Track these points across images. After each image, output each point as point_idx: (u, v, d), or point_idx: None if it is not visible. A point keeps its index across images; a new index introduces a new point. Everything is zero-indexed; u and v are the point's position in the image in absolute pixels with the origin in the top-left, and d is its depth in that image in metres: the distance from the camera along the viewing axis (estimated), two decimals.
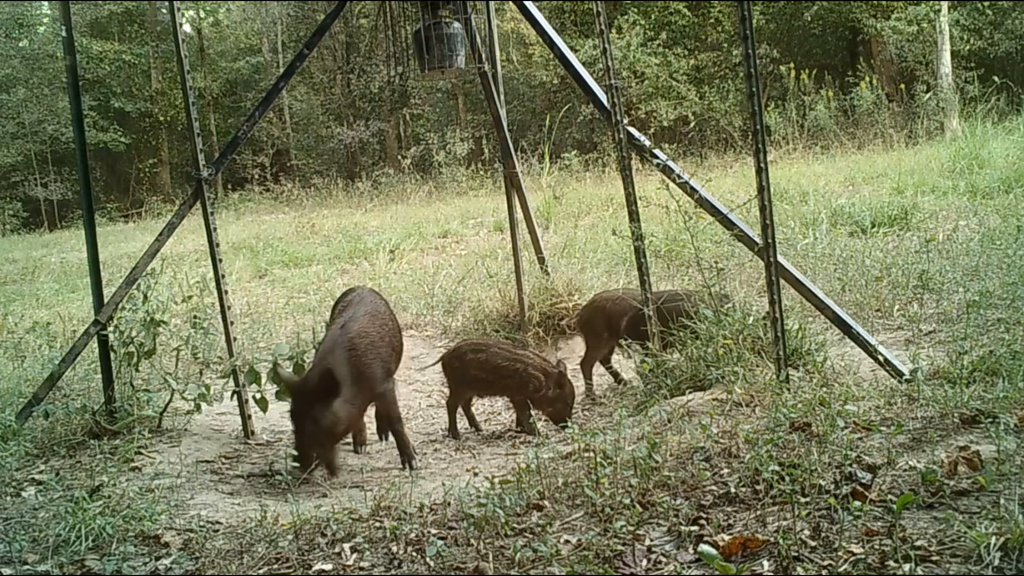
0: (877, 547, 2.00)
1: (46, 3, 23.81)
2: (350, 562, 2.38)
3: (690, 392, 3.71)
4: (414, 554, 2.36)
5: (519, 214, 5.87)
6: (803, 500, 2.27)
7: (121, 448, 3.91)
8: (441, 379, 5.42)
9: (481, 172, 16.32)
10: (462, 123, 20.17)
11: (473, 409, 4.71)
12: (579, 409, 4.74)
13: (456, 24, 4.99)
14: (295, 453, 3.61)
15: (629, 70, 16.69)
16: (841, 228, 7.13)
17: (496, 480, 2.79)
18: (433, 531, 2.48)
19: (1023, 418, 2.60)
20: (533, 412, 4.43)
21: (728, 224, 3.94)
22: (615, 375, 5.08)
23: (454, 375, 4.53)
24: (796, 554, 2.03)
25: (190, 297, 4.96)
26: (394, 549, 2.41)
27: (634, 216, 4.09)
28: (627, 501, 2.44)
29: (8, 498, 3.34)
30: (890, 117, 13.63)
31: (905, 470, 2.39)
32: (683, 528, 2.28)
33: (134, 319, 4.42)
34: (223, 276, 4.61)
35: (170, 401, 4.39)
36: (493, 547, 2.32)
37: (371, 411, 4.31)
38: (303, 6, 22.19)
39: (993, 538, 1.90)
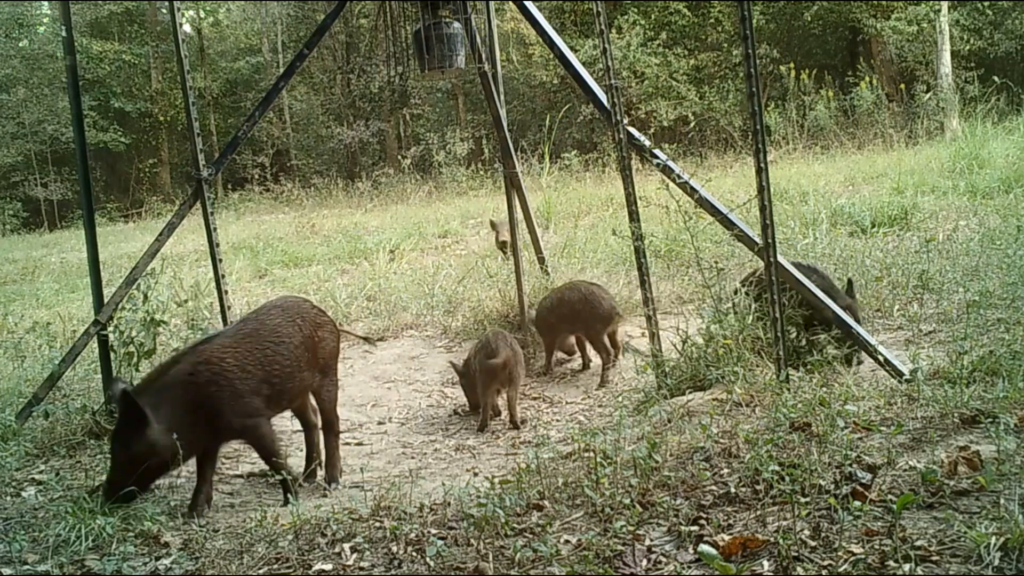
0: (877, 547, 2.00)
1: (46, 3, 23.84)
2: (350, 562, 2.38)
3: (690, 392, 3.71)
4: (414, 554, 2.36)
5: (519, 214, 5.87)
6: (803, 500, 2.27)
7: None
8: (441, 379, 5.44)
9: (481, 172, 16.31)
10: (462, 123, 20.16)
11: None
12: (580, 410, 4.75)
13: (456, 24, 4.99)
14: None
15: (629, 70, 16.68)
16: (841, 228, 7.13)
17: (496, 480, 2.79)
18: (433, 531, 2.48)
19: (1023, 418, 2.60)
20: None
21: (728, 224, 3.94)
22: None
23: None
24: (796, 554, 2.03)
25: (186, 301, 4.96)
26: (394, 549, 2.41)
27: (634, 216, 4.09)
28: (627, 501, 2.44)
29: (8, 498, 3.34)
30: (890, 117, 13.63)
31: (905, 470, 2.39)
32: (683, 528, 2.28)
33: (134, 319, 4.42)
34: (223, 276, 4.61)
35: None
36: (493, 547, 2.32)
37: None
38: (303, 6, 22.19)
39: (993, 538, 1.89)
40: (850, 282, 4.31)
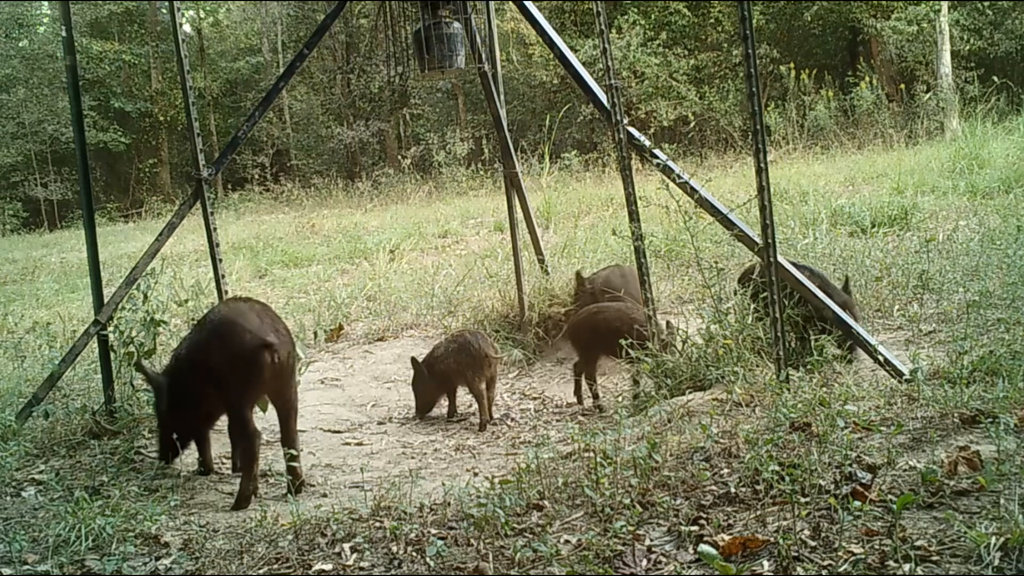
0: (877, 547, 2.00)
1: (46, 3, 23.86)
2: (350, 562, 2.38)
3: (690, 392, 3.71)
4: (414, 554, 2.36)
5: (519, 214, 5.87)
6: (803, 500, 2.27)
7: (121, 448, 3.91)
8: None
9: (481, 172, 16.31)
10: (462, 123, 20.17)
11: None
12: (580, 410, 4.75)
13: (456, 24, 4.99)
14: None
15: (629, 70, 16.69)
16: (841, 228, 7.13)
17: (496, 480, 2.79)
18: (433, 531, 2.48)
19: (1023, 418, 2.60)
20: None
21: (728, 224, 3.94)
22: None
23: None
24: (796, 554, 2.03)
25: (186, 301, 4.96)
26: (394, 549, 2.41)
27: (634, 216, 4.09)
28: (627, 501, 2.44)
29: (8, 498, 3.34)
30: (890, 117, 13.63)
31: (905, 470, 2.39)
32: (683, 528, 2.28)
33: (134, 319, 4.42)
34: (223, 276, 4.61)
35: None
36: (493, 547, 2.32)
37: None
38: (303, 6, 22.19)
39: (993, 538, 1.89)
40: (847, 279, 4.30)
